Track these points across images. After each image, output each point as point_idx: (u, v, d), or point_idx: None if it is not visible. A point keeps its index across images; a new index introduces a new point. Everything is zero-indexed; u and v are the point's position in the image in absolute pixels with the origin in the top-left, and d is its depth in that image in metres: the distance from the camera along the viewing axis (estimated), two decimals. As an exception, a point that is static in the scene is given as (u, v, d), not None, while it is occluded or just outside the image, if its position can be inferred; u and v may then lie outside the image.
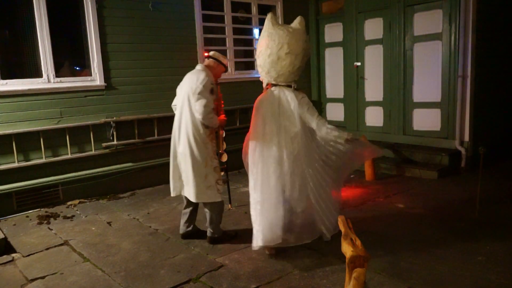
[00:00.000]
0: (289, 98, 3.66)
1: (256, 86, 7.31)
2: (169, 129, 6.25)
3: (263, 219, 3.53)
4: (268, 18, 3.79)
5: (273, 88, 3.75)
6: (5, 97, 4.98)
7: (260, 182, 3.60)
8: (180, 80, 6.28)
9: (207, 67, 3.92)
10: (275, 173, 3.59)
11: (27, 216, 4.98)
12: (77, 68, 5.75)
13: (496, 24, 6.42)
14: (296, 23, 3.74)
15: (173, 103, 4.10)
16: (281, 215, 3.58)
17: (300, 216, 3.71)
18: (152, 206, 5.23)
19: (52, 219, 4.84)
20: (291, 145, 3.61)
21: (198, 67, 3.95)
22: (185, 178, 3.94)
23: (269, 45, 3.67)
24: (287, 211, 3.66)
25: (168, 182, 6.20)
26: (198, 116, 3.67)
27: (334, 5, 7.84)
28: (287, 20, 7.63)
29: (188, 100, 3.74)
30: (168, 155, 6.24)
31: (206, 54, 4.05)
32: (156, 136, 6.14)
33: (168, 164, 6.24)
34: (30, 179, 5.17)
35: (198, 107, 3.64)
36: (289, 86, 3.72)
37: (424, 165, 6.13)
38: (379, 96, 7.19)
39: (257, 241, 3.50)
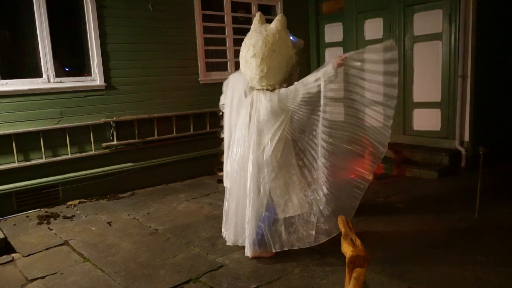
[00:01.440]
0: (264, 102, 3.47)
1: (256, 86, 7.33)
2: (169, 129, 6.33)
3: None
4: (254, 18, 3.64)
5: (254, 92, 3.63)
6: (5, 97, 4.98)
7: (234, 191, 3.62)
8: (180, 80, 6.41)
9: None
10: (246, 182, 3.51)
11: (27, 216, 4.98)
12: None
13: (496, 24, 6.42)
14: (273, 22, 3.50)
15: (221, 102, 4.40)
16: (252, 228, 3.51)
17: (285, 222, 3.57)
18: (152, 206, 5.23)
19: (52, 219, 4.84)
20: (262, 154, 3.44)
21: None
22: None
23: (242, 48, 3.60)
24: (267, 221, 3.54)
25: (168, 182, 6.26)
26: None
27: (334, 5, 7.84)
28: (287, 21, 7.64)
29: None
30: (167, 155, 6.30)
31: None
32: (156, 136, 6.14)
33: (167, 163, 6.30)
34: (30, 179, 5.17)
35: None
36: (268, 90, 3.53)
37: (424, 165, 6.13)
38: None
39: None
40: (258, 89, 3.57)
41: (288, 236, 3.57)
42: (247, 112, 3.57)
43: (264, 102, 3.47)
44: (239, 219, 3.62)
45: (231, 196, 3.71)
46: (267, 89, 3.53)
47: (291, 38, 3.63)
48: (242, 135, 3.58)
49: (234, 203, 3.65)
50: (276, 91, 3.51)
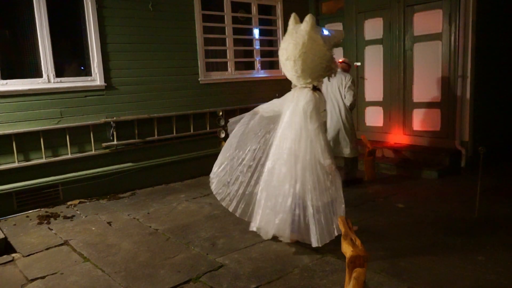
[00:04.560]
0: (302, 100, 3.68)
1: (256, 86, 7.34)
2: (169, 129, 6.33)
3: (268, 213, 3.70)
4: (289, 20, 3.82)
5: (296, 88, 3.85)
6: (5, 97, 4.98)
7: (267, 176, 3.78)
8: (180, 80, 6.44)
9: (343, 69, 5.51)
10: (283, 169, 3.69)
11: (27, 216, 4.98)
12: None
13: (496, 24, 6.42)
14: (302, 24, 3.65)
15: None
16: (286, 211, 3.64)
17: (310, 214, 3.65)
18: (152, 206, 5.23)
19: (52, 219, 4.84)
20: (297, 143, 3.65)
21: (339, 69, 5.29)
22: (344, 143, 5.52)
23: (279, 51, 3.80)
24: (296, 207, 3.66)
25: (168, 182, 6.27)
26: (348, 102, 5.40)
27: (334, 5, 7.84)
28: (286, 20, 7.63)
29: (339, 92, 5.44)
30: (167, 154, 6.32)
31: (340, 60, 5.54)
32: (156, 136, 6.13)
33: (167, 163, 6.31)
34: (30, 179, 5.17)
35: (348, 96, 5.38)
36: (307, 87, 3.74)
37: (424, 165, 6.13)
38: (379, 96, 7.19)
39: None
40: (299, 87, 3.78)
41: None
42: (290, 105, 3.77)
43: (302, 100, 3.67)
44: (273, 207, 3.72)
45: (266, 184, 3.79)
46: (306, 87, 3.73)
47: (325, 33, 3.75)
48: (286, 127, 3.75)
49: (268, 191, 3.75)
50: (308, 98, 3.64)
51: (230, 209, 3.96)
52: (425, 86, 6.57)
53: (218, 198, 4.01)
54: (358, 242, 2.64)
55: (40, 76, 5.26)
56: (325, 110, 3.80)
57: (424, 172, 6.01)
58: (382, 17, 6.96)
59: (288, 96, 3.90)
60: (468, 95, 6.11)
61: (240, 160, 3.98)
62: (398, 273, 3.26)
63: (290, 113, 3.75)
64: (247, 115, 4.11)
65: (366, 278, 2.52)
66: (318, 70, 3.67)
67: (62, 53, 5.49)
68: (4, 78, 5.00)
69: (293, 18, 3.77)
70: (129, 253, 3.85)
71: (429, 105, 6.55)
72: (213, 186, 4.04)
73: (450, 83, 6.25)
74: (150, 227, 4.50)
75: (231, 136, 4.13)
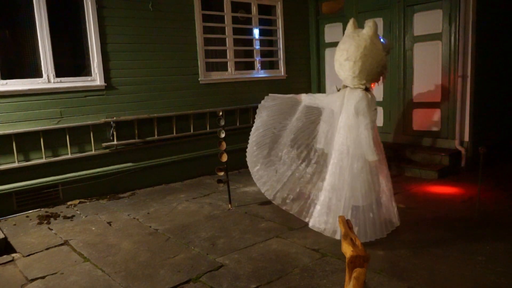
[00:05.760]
0: (352, 98, 3.83)
1: (256, 86, 7.34)
2: (169, 129, 6.33)
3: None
4: (348, 24, 3.99)
5: (347, 89, 3.97)
6: (5, 97, 4.98)
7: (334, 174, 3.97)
8: (180, 80, 6.46)
9: None
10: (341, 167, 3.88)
11: (27, 216, 4.98)
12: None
13: (496, 24, 6.42)
14: (364, 28, 3.83)
15: None
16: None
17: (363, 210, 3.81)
18: (152, 206, 5.23)
19: (52, 219, 4.85)
20: (352, 143, 3.81)
21: None
22: None
23: (337, 51, 3.96)
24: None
25: (168, 182, 6.27)
26: None
27: (334, 5, 7.84)
28: (286, 20, 7.67)
29: None
30: (167, 154, 6.33)
31: None
32: (156, 136, 6.14)
33: (167, 163, 6.32)
34: (30, 179, 5.17)
35: None
36: (360, 88, 3.87)
37: (424, 165, 6.13)
38: (379, 96, 7.17)
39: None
40: (350, 88, 3.92)
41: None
42: (339, 105, 3.97)
43: (354, 99, 3.83)
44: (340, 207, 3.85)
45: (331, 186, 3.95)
46: (358, 87, 3.86)
47: (381, 41, 3.91)
48: (342, 127, 3.94)
49: (333, 192, 3.92)
50: (360, 98, 3.80)
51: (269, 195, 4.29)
52: (425, 86, 6.57)
53: (254, 175, 4.36)
54: (358, 242, 2.63)
55: (40, 76, 5.26)
56: (375, 109, 3.93)
57: (424, 172, 6.01)
58: (382, 17, 6.95)
59: (336, 96, 4.05)
60: (468, 95, 6.11)
61: (282, 146, 4.32)
62: (398, 273, 3.26)
63: (344, 114, 3.89)
64: (287, 99, 4.39)
65: (366, 278, 2.52)
66: (373, 74, 3.86)
67: (62, 53, 5.49)
68: (4, 78, 5.00)
69: (352, 23, 3.97)
70: (129, 253, 3.85)
71: (429, 105, 6.55)
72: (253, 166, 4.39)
73: (450, 83, 6.25)
74: (150, 227, 4.50)
75: (268, 114, 4.42)
